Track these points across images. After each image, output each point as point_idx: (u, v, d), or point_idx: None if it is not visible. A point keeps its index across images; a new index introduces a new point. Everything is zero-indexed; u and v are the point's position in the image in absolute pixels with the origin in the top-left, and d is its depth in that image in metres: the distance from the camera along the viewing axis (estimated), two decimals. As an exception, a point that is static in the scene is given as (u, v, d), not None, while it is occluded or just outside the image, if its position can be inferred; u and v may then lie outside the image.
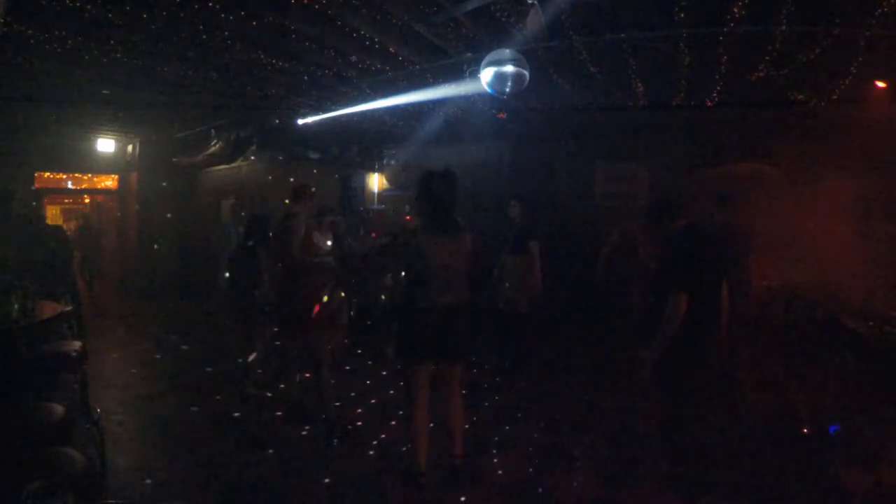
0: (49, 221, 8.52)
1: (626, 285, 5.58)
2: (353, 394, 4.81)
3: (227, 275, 6.20)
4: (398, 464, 3.44)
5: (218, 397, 4.71)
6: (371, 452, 3.70)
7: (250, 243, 4.68)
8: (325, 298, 4.09)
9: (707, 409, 3.95)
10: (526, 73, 4.57)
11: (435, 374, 3.23)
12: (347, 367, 5.49)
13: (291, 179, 8.82)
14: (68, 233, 7.71)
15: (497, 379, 5.24)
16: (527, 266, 5.10)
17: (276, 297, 4.35)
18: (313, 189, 4.32)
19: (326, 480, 3.31)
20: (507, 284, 5.22)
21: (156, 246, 10.60)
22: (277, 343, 4.78)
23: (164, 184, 10.83)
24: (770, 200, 6.24)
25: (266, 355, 4.85)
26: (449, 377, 3.26)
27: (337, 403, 4.20)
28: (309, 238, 4.05)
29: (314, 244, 4.10)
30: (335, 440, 3.83)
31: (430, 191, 3.14)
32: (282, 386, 4.63)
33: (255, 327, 4.72)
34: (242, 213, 7.66)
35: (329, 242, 4.35)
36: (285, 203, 5.18)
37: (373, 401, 4.69)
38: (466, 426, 3.41)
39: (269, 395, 4.66)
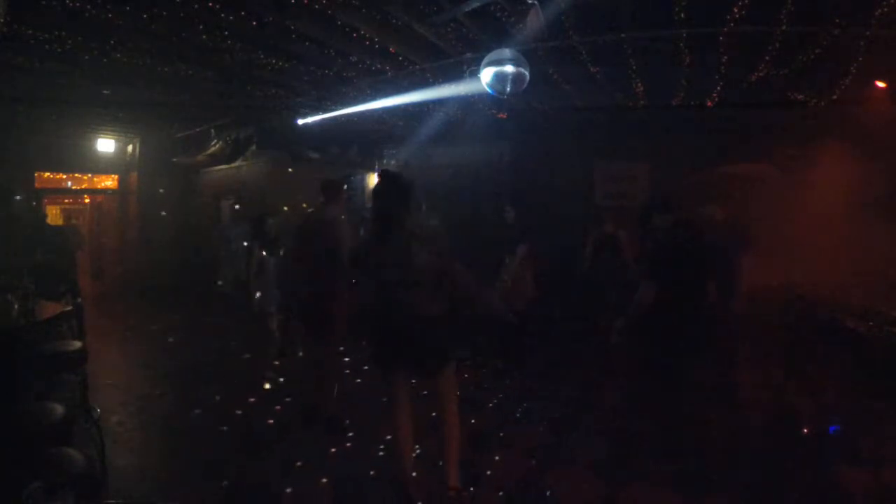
0: (49, 221, 8.53)
1: (608, 284, 5.62)
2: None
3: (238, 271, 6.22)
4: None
5: (218, 396, 4.70)
6: (367, 453, 3.69)
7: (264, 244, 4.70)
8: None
9: (705, 409, 3.97)
10: (526, 73, 4.57)
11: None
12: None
13: (290, 170, 8.75)
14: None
15: (497, 379, 5.24)
16: (521, 268, 5.40)
17: (307, 298, 4.17)
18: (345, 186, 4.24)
19: (325, 481, 3.30)
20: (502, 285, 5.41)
21: (151, 240, 10.54)
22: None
23: (163, 185, 10.82)
24: (770, 200, 6.24)
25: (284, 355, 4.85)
26: (438, 393, 3.02)
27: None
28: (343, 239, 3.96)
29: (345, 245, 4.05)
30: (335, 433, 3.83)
31: (379, 194, 2.96)
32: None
33: (285, 329, 4.74)
34: (254, 213, 7.61)
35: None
36: (281, 202, 5.17)
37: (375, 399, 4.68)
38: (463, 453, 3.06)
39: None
